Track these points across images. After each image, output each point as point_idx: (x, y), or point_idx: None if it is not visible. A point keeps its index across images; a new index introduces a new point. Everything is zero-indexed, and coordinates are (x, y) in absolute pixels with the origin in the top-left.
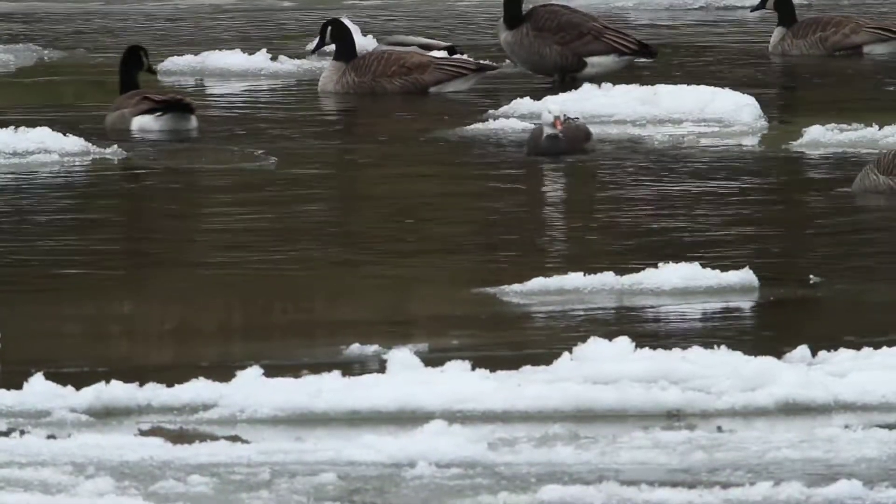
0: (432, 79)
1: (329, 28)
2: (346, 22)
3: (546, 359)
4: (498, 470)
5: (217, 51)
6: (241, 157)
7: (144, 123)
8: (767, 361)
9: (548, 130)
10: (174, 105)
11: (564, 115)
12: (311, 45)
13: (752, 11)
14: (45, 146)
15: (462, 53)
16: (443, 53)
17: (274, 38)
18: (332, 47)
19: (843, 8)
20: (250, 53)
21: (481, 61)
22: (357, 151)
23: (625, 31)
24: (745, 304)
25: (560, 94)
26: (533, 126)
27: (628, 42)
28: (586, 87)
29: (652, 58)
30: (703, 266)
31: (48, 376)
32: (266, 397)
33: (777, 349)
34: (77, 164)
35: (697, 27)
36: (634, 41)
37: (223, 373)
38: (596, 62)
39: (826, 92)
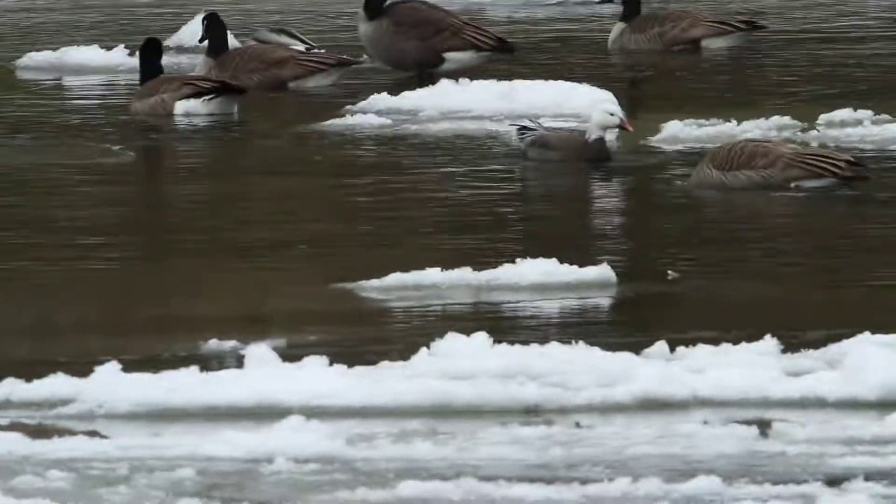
0: (291, 74)
1: (204, 22)
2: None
3: (404, 354)
4: (356, 465)
5: (75, 46)
6: (98, 152)
7: (190, 107)
8: (626, 357)
9: (598, 133)
10: (225, 88)
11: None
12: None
13: (599, 3)
14: None
15: (318, 49)
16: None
17: (132, 33)
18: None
19: (700, 3)
20: (108, 49)
21: (343, 56)
22: (216, 148)
23: (483, 27)
24: (604, 299)
25: (418, 89)
26: (571, 130)
27: (487, 38)
28: (444, 82)
29: (510, 53)
30: (561, 261)
31: None
32: (124, 392)
33: (635, 345)
34: None
35: (554, 22)
36: (493, 37)
37: (82, 368)
38: (454, 58)
39: (680, 87)
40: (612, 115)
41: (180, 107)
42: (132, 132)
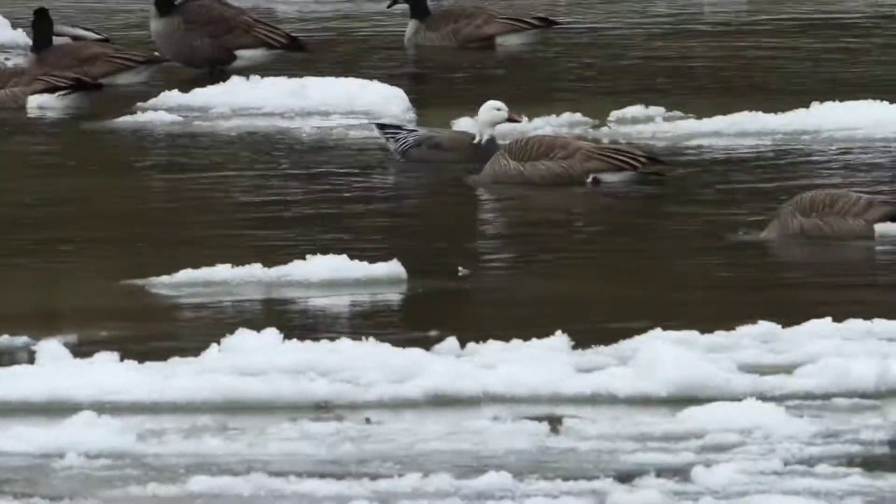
0: (101, 71)
1: (33, 18)
2: None
3: (195, 350)
4: (146, 461)
5: None
6: None
7: (43, 102)
8: (416, 353)
9: (489, 133)
10: (80, 85)
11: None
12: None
13: (388, 7)
14: None
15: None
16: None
17: None
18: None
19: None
20: None
21: (154, 53)
22: (11, 144)
23: (275, 25)
24: (394, 295)
25: (209, 86)
26: (452, 132)
27: (278, 36)
28: (235, 79)
29: (302, 51)
30: (352, 258)
31: None
32: None
33: (426, 341)
34: None
35: (346, 20)
36: (284, 35)
37: None
38: (246, 55)
39: (471, 83)
40: (498, 110)
41: (33, 101)
42: None
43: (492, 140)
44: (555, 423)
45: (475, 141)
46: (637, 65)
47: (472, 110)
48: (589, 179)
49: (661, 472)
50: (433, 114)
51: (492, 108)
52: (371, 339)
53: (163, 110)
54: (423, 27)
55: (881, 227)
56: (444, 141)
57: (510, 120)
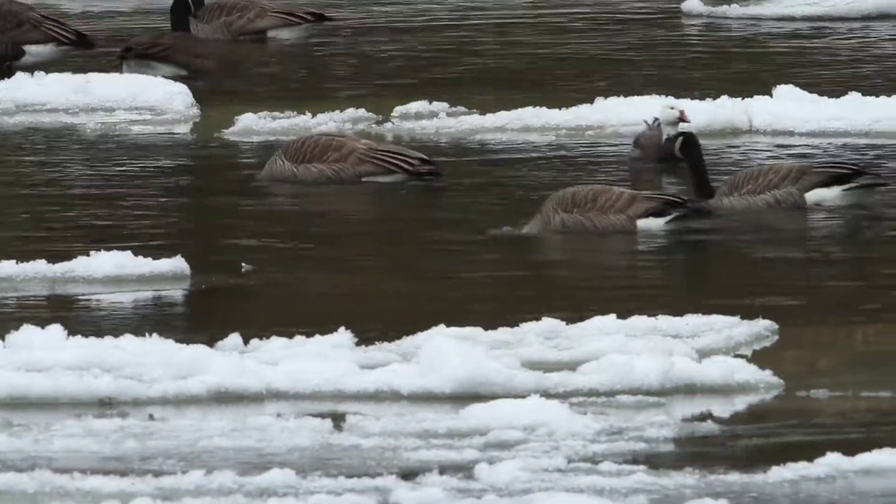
0: None
1: None
2: None
3: None
4: None
5: None
6: None
7: None
8: (199, 349)
9: (670, 131)
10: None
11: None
12: None
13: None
14: None
15: None
16: None
17: None
18: None
19: None
20: None
21: None
22: None
23: (63, 21)
24: (177, 292)
25: None
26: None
27: (66, 31)
28: (20, 75)
29: (90, 48)
30: (136, 254)
31: None
32: None
33: (209, 337)
34: None
35: (130, 16)
36: (72, 31)
37: None
38: (34, 51)
39: (251, 78)
40: (671, 108)
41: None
42: None
43: (674, 138)
44: (338, 419)
45: (665, 140)
46: (419, 59)
47: (253, 105)
48: (363, 181)
49: (445, 469)
50: (217, 110)
51: (666, 107)
52: (155, 335)
53: None
54: (194, 20)
55: (643, 223)
56: (640, 137)
57: (681, 120)
